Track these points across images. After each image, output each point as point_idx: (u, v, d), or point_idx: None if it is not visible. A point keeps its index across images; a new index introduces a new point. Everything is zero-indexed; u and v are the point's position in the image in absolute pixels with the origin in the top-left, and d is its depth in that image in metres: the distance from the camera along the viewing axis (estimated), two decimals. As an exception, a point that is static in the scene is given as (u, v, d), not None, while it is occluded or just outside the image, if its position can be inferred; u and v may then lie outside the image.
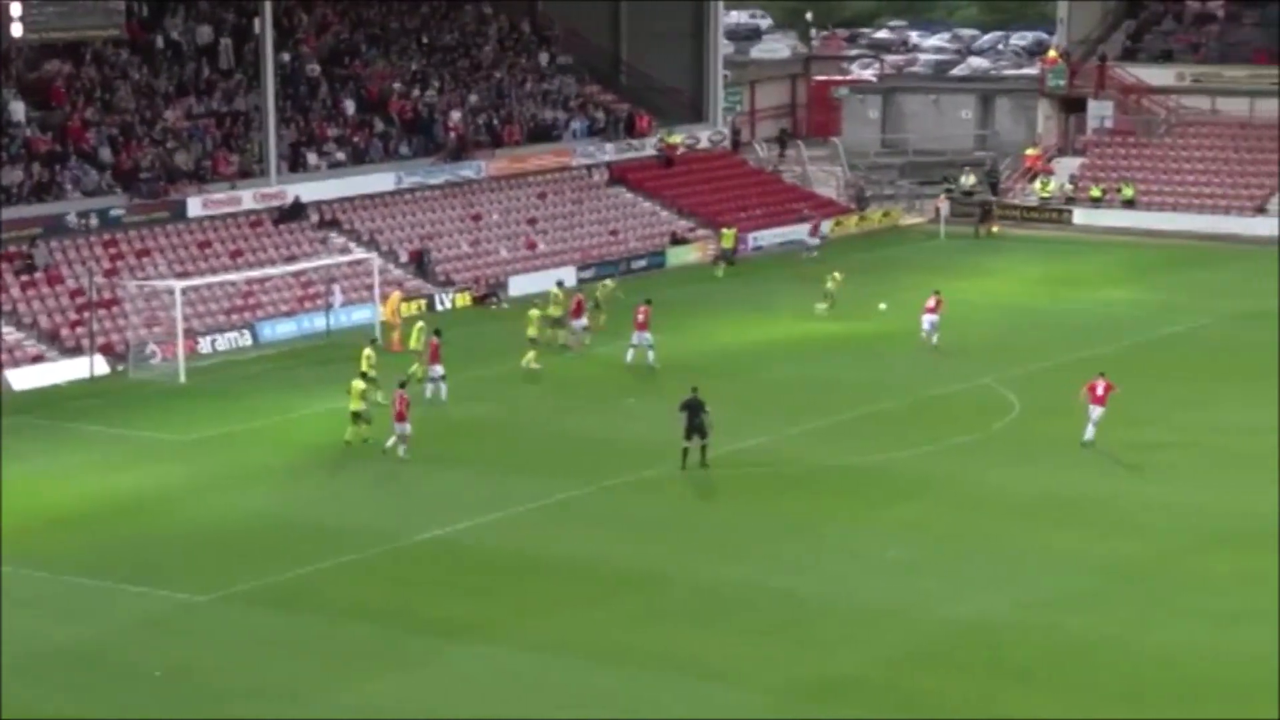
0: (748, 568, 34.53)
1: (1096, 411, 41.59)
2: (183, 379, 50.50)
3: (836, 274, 57.21)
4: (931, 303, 52.54)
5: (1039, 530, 36.39)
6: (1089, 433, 41.67)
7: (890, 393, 47.28)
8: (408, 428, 41.37)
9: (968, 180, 78.88)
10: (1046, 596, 32.67)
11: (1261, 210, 72.25)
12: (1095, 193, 75.05)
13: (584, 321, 52.61)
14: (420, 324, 50.02)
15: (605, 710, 28.36)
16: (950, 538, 36.10)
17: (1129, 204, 74.28)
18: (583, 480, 40.08)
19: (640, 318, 50.30)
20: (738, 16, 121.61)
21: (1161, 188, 74.82)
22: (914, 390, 47.50)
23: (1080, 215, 74.47)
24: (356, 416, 42.47)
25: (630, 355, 50.23)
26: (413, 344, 49.10)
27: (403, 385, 42.63)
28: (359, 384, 43.15)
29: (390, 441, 41.60)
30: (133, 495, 39.78)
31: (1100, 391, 41.61)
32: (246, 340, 55.39)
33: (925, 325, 52.28)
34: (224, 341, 54.86)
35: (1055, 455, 41.52)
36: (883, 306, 53.55)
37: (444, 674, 29.93)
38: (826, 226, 73.45)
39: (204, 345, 54.09)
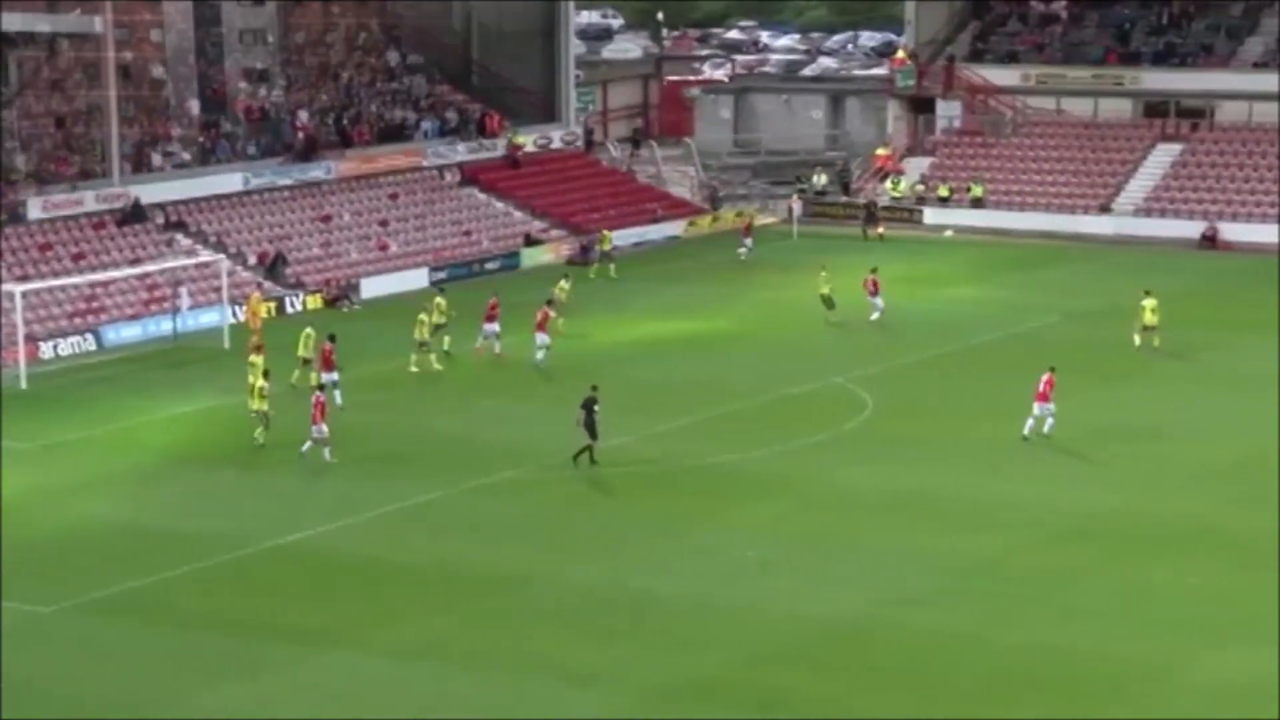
0: (608, 568, 34.42)
1: (1038, 408, 42.02)
2: (24, 385, 49.43)
3: (823, 271, 56.82)
4: (871, 285, 55.24)
5: (894, 528, 36.62)
6: (1027, 425, 42.10)
7: (745, 393, 47.41)
8: (325, 429, 41.00)
9: (820, 180, 79.42)
10: (902, 594, 32.87)
11: (1106, 209, 73.48)
12: (943, 192, 75.89)
13: (495, 327, 51.92)
14: (308, 330, 49.29)
15: (465, 713, 28.10)
16: (806, 536, 36.23)
17: (978, 203, 75.20)
18: (443, 482, 39.73)
19: (539, 318, 50.31)
20: (589, 16, 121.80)
21: (1009, 187, 75.83)
22: (768, 390, 47.67)
23: (930, 215, 75.24)
24: (262, 417, 42.32)
25: (541, 356, 50.01)
26: (300, 351, 48.39)
27: (320, 388, 42.45)
28: (262, 382, 42.70)
29: (306, 446, 41.18)
30: (-26, 504, 38.77)
31: (1042, 388, 42.11)
32: (90, 345, 54.31)
33: (878, 306, 55.25)
34: (67, 346, 53.75)
35: (909, 453, 41.82)
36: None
37: (300, 681, 29.48)
38: (680, 227, 73.59)
39: (46, 350, 52.96)
